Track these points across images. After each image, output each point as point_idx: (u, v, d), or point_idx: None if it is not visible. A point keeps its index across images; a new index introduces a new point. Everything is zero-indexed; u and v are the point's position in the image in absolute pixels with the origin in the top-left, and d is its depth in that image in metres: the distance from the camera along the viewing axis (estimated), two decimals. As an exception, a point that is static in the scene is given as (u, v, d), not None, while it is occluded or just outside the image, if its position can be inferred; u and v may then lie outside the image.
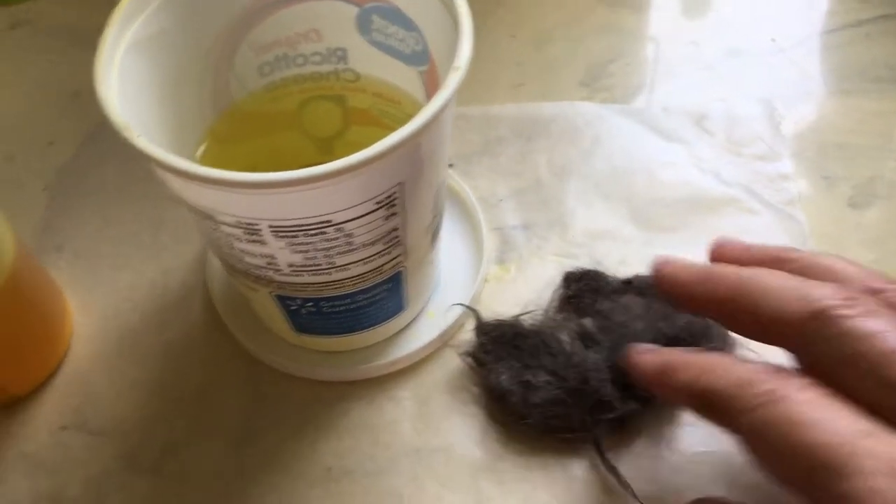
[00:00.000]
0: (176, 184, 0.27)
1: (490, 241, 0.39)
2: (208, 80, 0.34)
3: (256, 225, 0.27)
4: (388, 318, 0.35)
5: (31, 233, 0.41)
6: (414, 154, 0.27)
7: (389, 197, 0.28)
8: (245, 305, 0.38)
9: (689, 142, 0.42)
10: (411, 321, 0.37)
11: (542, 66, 0.47)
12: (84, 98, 0.47)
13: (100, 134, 0.45)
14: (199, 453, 0.34)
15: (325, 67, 0.36)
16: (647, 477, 0.33)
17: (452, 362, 0.36)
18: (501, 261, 0.39)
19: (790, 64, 0.46)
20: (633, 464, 0.33)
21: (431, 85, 0.33)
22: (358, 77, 0.36)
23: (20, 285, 0.33)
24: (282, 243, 0.28)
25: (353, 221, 0.28)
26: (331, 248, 0.29)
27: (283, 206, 0.27)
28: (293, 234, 0.28)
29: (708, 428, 0.33)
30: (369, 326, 0.35)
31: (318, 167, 0.25)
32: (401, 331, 0.37)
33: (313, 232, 0.28)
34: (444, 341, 0.36)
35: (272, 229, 0.27)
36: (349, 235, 0.28)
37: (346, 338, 0.35)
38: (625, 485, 0.32)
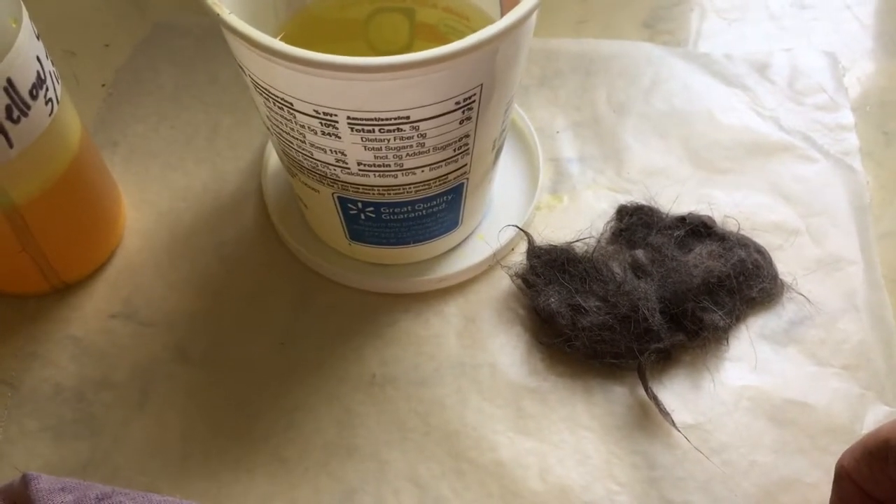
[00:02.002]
0: (259, 66, 0.27)
1: (545, 171, 0.39)
2: (285, -21, 0.34)
3: (334, 116, 0.27)
4: (442, 234, 0.35)
5: (89, 126, 0.41)
6: (496, 56, 0.27)
7: (468, 99, 0.28)
8: (299, 214, 0.38)
9: (751, 88, 0.42)
10: (462, 241, 0.37)
11: (606, 5, 0.46)
12: (140, 3, 0.46)
13: (155, 39, 0.45)
14: (244, 350, 0.34)
15: (399, -23, 0.36)
16: (687, 407, 0.33)
17: (501, 283, 0.36)
18: (555, 191, 0.39)
19: (855, 20, 0.46)
20: (675, 393, 0.33)
21: (508, 1, 0.33)
22: (430, -10, 0.36)
23: (82, 170, 0.33)
24: (356, 138, 0.28)
25: (430, 121, 0.28)
26: (403, 147, 0.29)
27: (364, 96, 0.27)
28: (369, 128, 0.28)
29: (750, 363, 0.34)
30: (423, 240, 0.35)
31: (407, 55, 0.25)
32: (451, 249, 0.37)
33: (389, 128, 0.28)
34: (494, 262, 0.36)
35: (349, 121, 0.27)
36: (423, 136, 0.28)
37: (399, 250, 0.35)
38: (665, 413, 0.32)
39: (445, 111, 0.28)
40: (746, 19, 0.46)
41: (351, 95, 0.27)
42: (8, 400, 0.33)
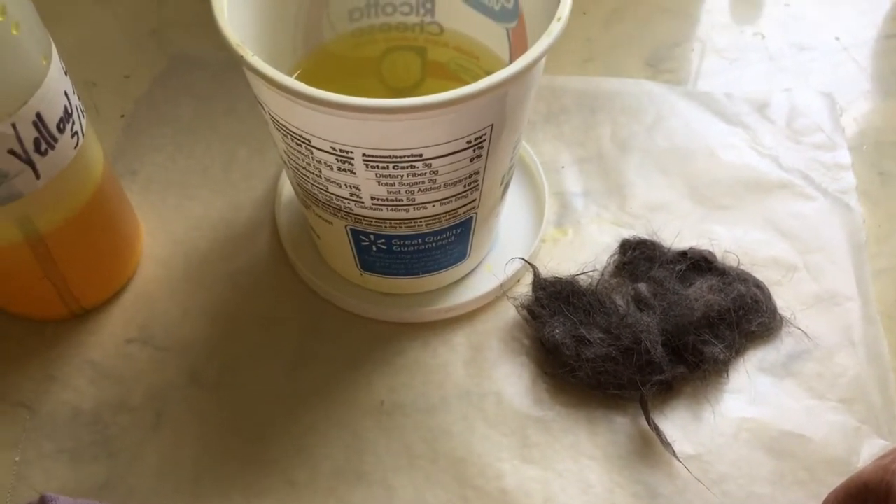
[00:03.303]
0: (280, 105, 0.28)
1: (550, 204, 0.40)
2: (303, 19, 0.35)
3: (350, 153, 0.28)
4: (450, 265, 0.36)
5: (108, 155, 0.42)
6: (507, 98, 0.28)
7: (479, 138, 0.29)
8: (311, 243, 0.39)
9: (750, 127, 0.43)
10: (470, 272, 0.38)
11: (610, 44, 0.48)
12: (160, 36, 0.48)
13: (173, 71, 0.46)
14: (257, 376, 0.35)
15: (412, 18, 0.37)
16: (688, 438, 0.34)
17: (507, 314, 0.37)
18: (560, 224, 0.40)
19: (852, 62, 0.47)
20: (676, 424, 0.34)
21: (518, 41, 0.34)
22: (442, 30, 0.37)
23: (104, 200, 0.34)
24: (370, 174, 0.29)
25: (442, 158, 0.29)
26: (415, 182, 0.30)
27: (380, 135, 0.28)
28: (384, 164, 0.29)
29: (749, 395, 0.35)
30: (432, 271, 0.36)
31: (422, 98, 0.26)
32: (458, 280, 0.38)
33: (403, 164, 0.29)
34: (501, 293, 0.37)
35: (365, 158, 0.29)
36: (435, 172, 0.29)
37: (408, 280, 0.36)
38: (666, 443, 0.33)
39: (457, 149, 0.29)
40: (746, 59, 0.48)
41: (367, 134, 0.28)
42: (26, 423, 0.34)
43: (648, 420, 0.34)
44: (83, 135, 0.32)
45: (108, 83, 0.45)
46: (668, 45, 0.48)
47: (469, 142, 0.29)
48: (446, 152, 0.29)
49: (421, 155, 0.29)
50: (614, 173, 0.42)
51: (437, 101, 0.26)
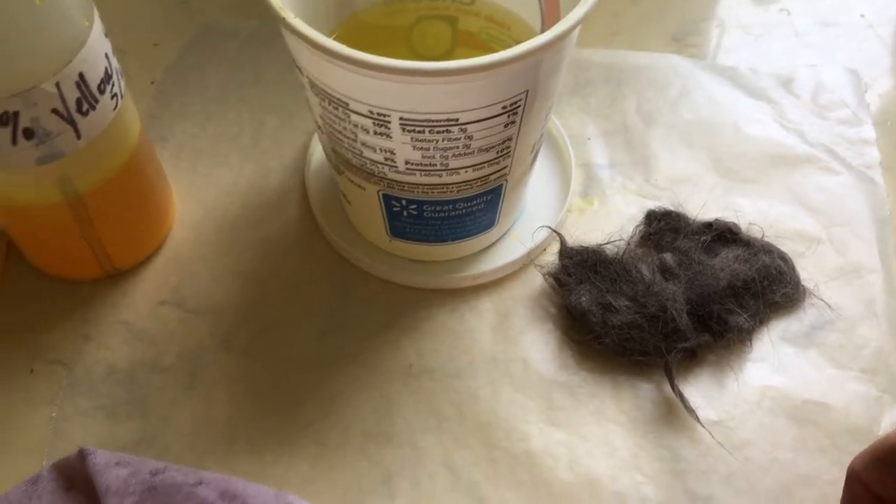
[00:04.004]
0: (318, 67, 0.29)
1: (576, 175, 0.41)
2: (336, -14, 0.36)
3: (387, 116, 0.29)
4: (478, 233, 0.37)
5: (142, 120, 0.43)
6: (542, 65, 0.29)
7: (514, 104, 0.29)
8: (340, 210, 0.39)
9: (775, 101, 0.44)
10: (496, 241, 0.39)
11: (637, 18, 0.48)
12: (188, 5, 0.48)
13: (202, 40, 0.46)
14: (287, 340, 0.36)
15: (444, -13, 0.37)
16: (711, 404, 0.34)
17: (533, 282, 0.38)
18: (585, 195, 0.41)
19: (876, 39, 0.47)
20: (700, 391, 0.35)
21: (550, 11, 0.34)
22: (473, 0, 0.37)
23: (140, 162, 0.35)
24: (406, 138, 0.30)
25: (477, 123, 0.29)
26: (449, 147, 0.30)
27: (418, 99, 0.28)
28: (420, 129, 0.29)
29: (772, 364, 0.35)
30: (460, 238, 0.37)
31: (462, 61, 0.26)
32: (485, 248, 0.38)
33: (439, 129, 0.29)
34: (528, 261, 0.38)
35: (402, 122, 0.29)
36: (469, 138, 0.30)
37: (437, 247, 0.37)
38: (690, 409, 0.34)
39: (492, 115, 0.29)
40: (771, 35, 0.48)
41: (405, 97, 0.28)
42: (63, 380, 0.35)
43: (673, 386, 0.34)
44: (122, 97, 0.33)
45: (137, 51, 0.46)
46: (694, 21, 0.48)
47: (504, 107, 0.29)
48: (481, 117, 0.29)
49: (457, 119, 0.29)
50: (639, 146, 0.42)
51: (477, 64, 0.26)
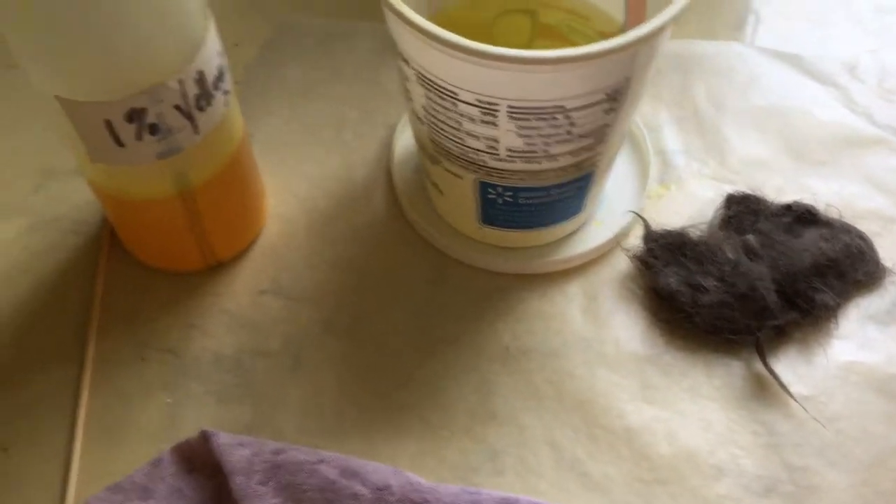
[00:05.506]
0: (429, 59, 0.30)
1: (653, 162, 0.42)
2: (428, -18, 0.37)
3: (496, 105, 0.30)
4: (566, 219, 0.38)
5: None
6: (641, 52, 0.30)
7: (616, 90, 0.31)
8: (425, 199, 0.40)
9: (842, 86, 0.45)
10: (580, 226, 0.40)
11: (704, 8, 0.49)
12: (260, 6, 0.50)
13: (280, 38, 0.48)
14: (386, 325, 0.37)
15: (526, -19, 0.38)
16: (801, 380, 0.35)
17: (618, 265, 0.39)
18: (662, 180, 0.42)
19: (936, 24, 0.48)
20: (788, 367, 0.36)
21: (635, 2, 0.36)
22: (555, -8, 0.38)
23: (243, 156, 0.36)
24: (512, 125, 0.31)
25: (582, 110, 0.31)
26: (552, 135, 0.31)
27: (528, 87, 0.29)
28: (527, 116, 0.30)
29: (857, 341, 0.36)
30: (549, 224, 0.38)
31: (580, 48, 0.28)
32: (570, 234, 0.40)
33: (545, 116, 0.30)
34: (614, 244, 0.39)
35: (510, 110, 0.30)
36: (572, 124, 0.31)
37: (525, 233, 0.38)
38: (782, 385, 0.35)
39: (596, 101, 0.30)
40: (831, 22, 0.49)
41: (515, 86, 0.29)
42: (174, 367, 0.36)
43: (765, 363, 0.35)
44: (230, 92, 0.34)
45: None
46: (758, 9, 0.49)
47: (607, 94, 0.30)
48: (586, 103, 0.30)
49: (563, 106, 0.30)
50: (712, 131, 0.43)
51: (588, 52, 0.28)
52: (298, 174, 0.42)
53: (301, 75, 0.46)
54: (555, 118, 0.31)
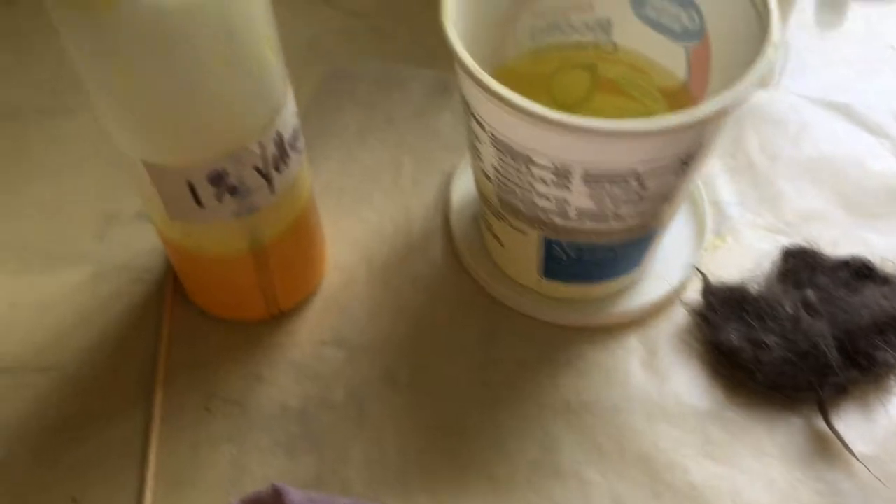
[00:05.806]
0: (507, 125, 0.30)
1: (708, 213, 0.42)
2: (492, 40, 0.37)
3: (570, 169, 0.31)
4: (626, 272, 0.38)
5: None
6: (720, 118, 0.30)
7: (689, 156, 0.31)
8: (483, 249, 0.41)
9: (893, 137, 0.45)
10: (638, 280, 0.40)
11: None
12: (316, 49, 0.50)
13: (332, 82, 0.48)
14: (447, 375, 0.38)
15: (588, 37, 0.39)
16: (861, 438, 0.36)
17: (677, 318, 0.39)
18: (718, 232, 0.42)
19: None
20: (849, 425, 0.36)
21: (698, 60, 0.36)
22: (616, 49, 0.39)
23: (310, 210, 0.37)
24: (585, 189, 0.31)
25: (654, 174, 0.31)
26: (623, 198, 0.32)
27: (606, 153, 0.30)
28: (600, 181, 0.31)
29: (921, 399, 0.36)
30: (609, 278, 0.38)
31: (665, 118, 0.28)
32: (627, 287, 0.40)
33: (619, 180, 0.31)
34: (673, 297, 0.39)
35: (584, 174, 0.31)
36: (644, 188, 0.31)
37: (584, 287, 0.38)
38: (845, 444, 0.35)
39: (669, 165, 0.31)
40: (878, 71, 0.49)
41: (593, 152, 0.30)
42: (239, 418, 0.36)
43: (828, 421, 0.35)
44: (303, 151, 0.34)
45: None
46: (805, 59, 0.49)
47: (682, 160, 0.31)
48: (659, 167, 0.31)
49: (636, 171, 0.31)
50: (765, 182, 0.44)
51: (673, 124, 0.28)
52: (356, 221, 0.43)
53: (356, 120, 0.46)
54: (627, 182, 0.31)
